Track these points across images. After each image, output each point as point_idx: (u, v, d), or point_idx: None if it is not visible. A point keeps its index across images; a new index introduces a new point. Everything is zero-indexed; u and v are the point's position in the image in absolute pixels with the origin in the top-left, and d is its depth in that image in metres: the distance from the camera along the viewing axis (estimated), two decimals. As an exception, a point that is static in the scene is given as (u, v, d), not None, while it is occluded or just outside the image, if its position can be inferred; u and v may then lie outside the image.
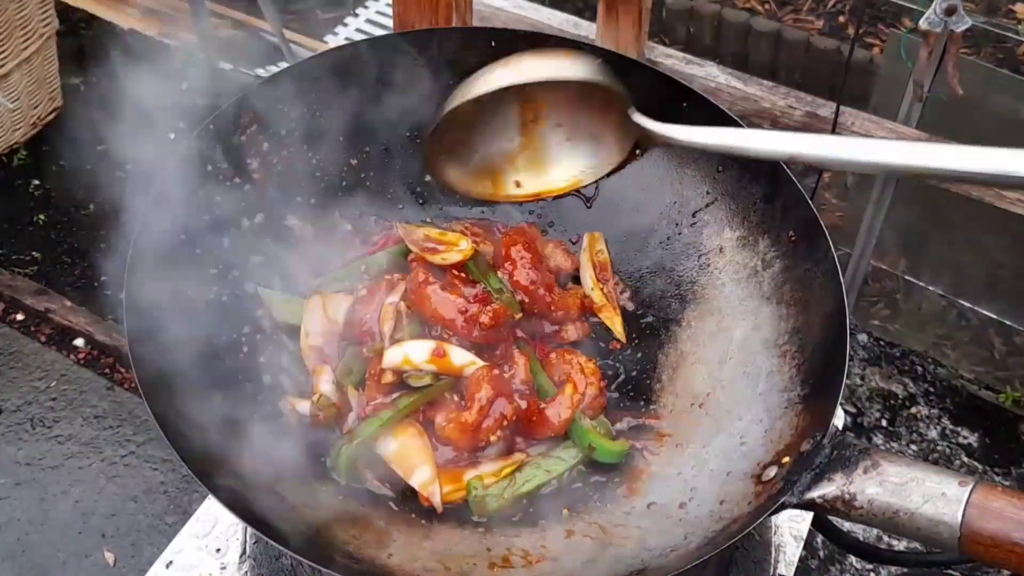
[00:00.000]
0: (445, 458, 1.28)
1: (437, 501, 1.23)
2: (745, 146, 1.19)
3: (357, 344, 1.34)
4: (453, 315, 1.29)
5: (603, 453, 1.28)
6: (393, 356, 1.27)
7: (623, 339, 1.43)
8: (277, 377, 1.34)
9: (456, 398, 1.29)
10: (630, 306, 1.47)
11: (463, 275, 1.36)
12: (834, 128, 2.17)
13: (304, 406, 1.30)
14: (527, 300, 1.36)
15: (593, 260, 1.47)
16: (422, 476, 1.24)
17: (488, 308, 1.29)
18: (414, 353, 1.28)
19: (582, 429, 1.29)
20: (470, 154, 1.43)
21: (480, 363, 1.28)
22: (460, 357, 1.28)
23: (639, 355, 1.43)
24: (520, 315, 1.36)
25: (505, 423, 1.26)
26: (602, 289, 1.45)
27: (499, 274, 1.37)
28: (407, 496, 1.26)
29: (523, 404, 1.28)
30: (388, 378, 1.28)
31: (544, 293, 1.37)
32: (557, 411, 1.30)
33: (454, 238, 1.43)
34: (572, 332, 1.42)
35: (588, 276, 1.46)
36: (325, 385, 1.31)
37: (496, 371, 1.28)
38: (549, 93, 1.38)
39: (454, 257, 1.37)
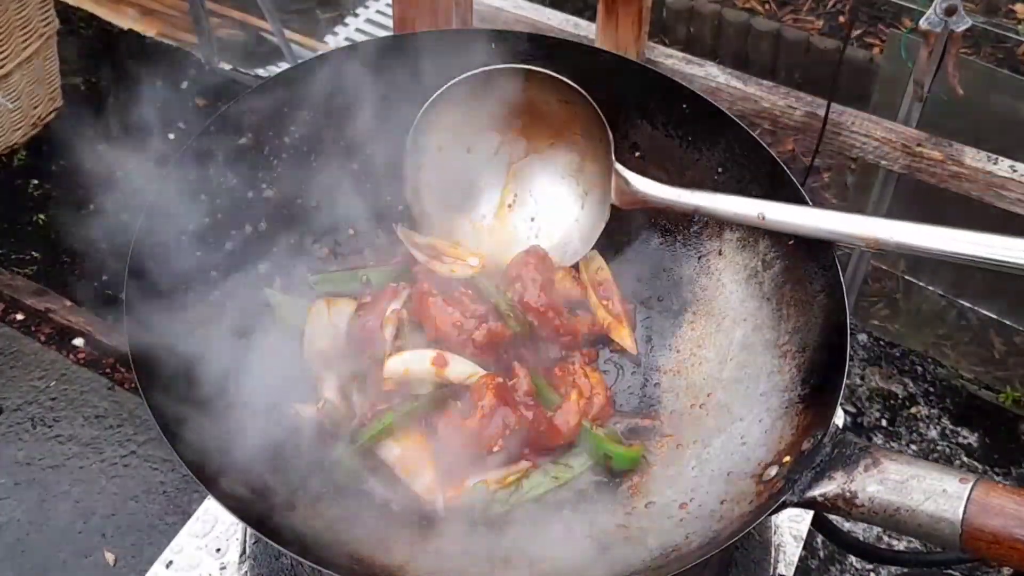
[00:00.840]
0: (448, 464, 1.28)
1: (440, 506, 1.23)
2: (723, 209, 1.29)
3: (361, 350, 1.34)
4: (449, 329, 1.29)
5: (619, 460, 1.28)
6: (394, 365, 1.27)
7: (634, 351, 1.42)
8: (280, 380, 1.34)
9: (459, 405, 1.29)
10: (631, 308, 1.47)
11: (470, 292, 1.35)
12: (823, 127, 2.16)
13: (307, 410, 1.30)
14: (536, 323, 1.35)
15: (592, 280, 1.47)
16: (425, 481, 1.24)
17: (484, 326, 1.29)
18: (415, 363, 1.27)
19: (595, 438, 1.29)
20: (445, 200, 1.48)
21: (481, 371, 1.28)
22: (461, 367, 1.28)
23: (639, 357, 1.43)
24: (526, 335, 1.35)
25: (508, 432, 1.26)
26: (606, 306, 1.44)
27: (508, 295, 1.36)
28: (409, 499, 1.26)
29: (529, 415, 1.28)
30: (390, 385, 1.28)
31: (553, 316, 1.36)
32: (565, 419, 1.29)
33: (461, 251, 1.43)
34: (579, 359, 1.40)
35: (592, 296, 1.45)
36: (330, 392, 1.31)
37: (499, 379, 1.28)
38: (537, 165, 1.47)
39: (463, 271, 1.37)
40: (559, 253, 1.45)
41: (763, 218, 1.24)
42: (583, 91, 1.35)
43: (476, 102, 1.40)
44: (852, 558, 2.39)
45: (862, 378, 2.75)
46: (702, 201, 1.29)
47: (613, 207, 1.39)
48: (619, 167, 1.36)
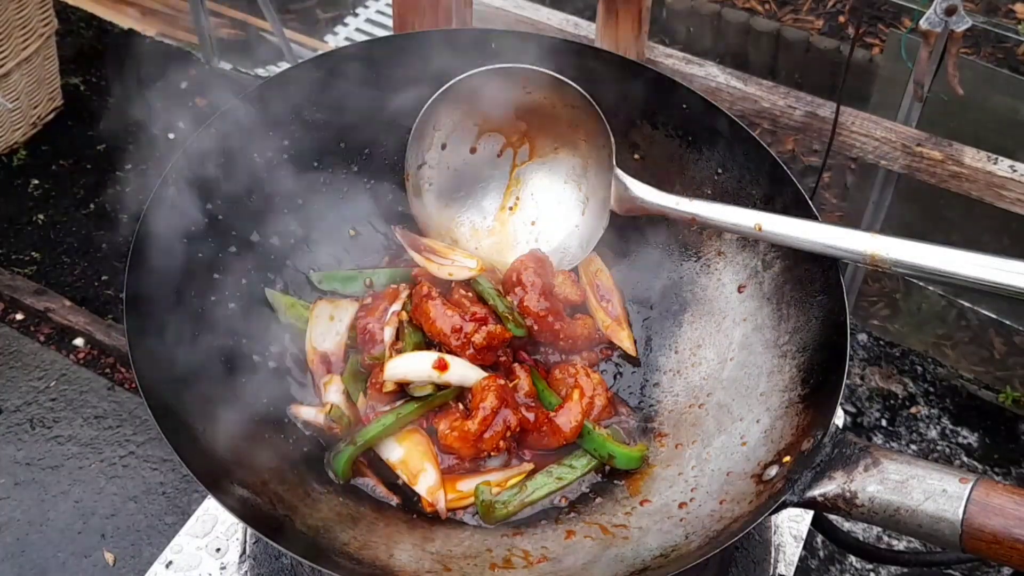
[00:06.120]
0: (450, 466, 1.28)
1: (442, 507, 1.23)
2: (720, 218, 1.28)
3: (362, 351, 1.34)
4: (449, 332, 1.29)
5: (623, 460, 1.28)
6: (395, 368, 1.27)
7: (633, 352, 1.42)
8: (282, 382, 1.34)
9: (460, 407, 1.29)
10: (631, 309, 1.47)
11: (470, 294, 1.35)
12: (834, 129, 2.17)
13: (308, 412, 1.30)
14: (536, 327, 1.35)
15: (591, 282, 1.47)
16: (427, 482, 1.24)
17: (483, 329, 1.29)
18: (416, 365, 1.27)
19: (598, 439, 1.29)
20: (445, 199, 1.48)
21: (483, 374, 1.28)
22: (462, 369, 1.28)
23: (639, 357, 1.43)
24: (525, 337, 1.35)
25: (508, 433, 1.26)
26: (605, 308, 1.44)
27: (508, 299, 1.36)
28: (409, 499, 1.26)
29: (530, 416, 1.28)
30: (390, 387, 1.28)
31: (553, 321, 1.36)
32: (567, 418, 1.29)
33: (460, 253, 1.43)
34: (579, 362, 1.39)
35: (591, 299, 1.45)
36: (334, 394, 1.30)
37: (501, 381, 1.28)
38: (541, 169, 1.48)
39: (461, 274, 1.37)
40: (557, 257, 1.45)
41: (760, 229, 1.24)
42: (588, 96, 1.34)
43: (480, 102, 1.40)
44: (852, 558, 2.39)
45: (862, 378, 2.75)
46: (700, 210, 1.29)
47: (612, 213, 1.39)
48: (619, 173, 1.36)
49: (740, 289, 1.36)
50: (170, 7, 3.94)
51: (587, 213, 1.45)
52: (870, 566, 2.40)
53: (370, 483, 1.27)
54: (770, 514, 1.07)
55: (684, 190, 1.42)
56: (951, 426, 2.65)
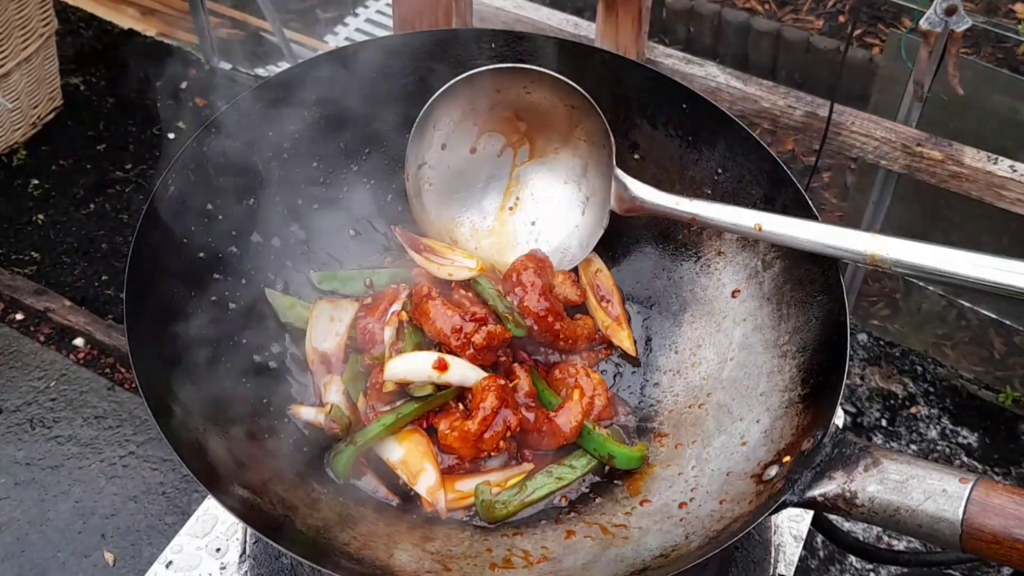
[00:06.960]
0: (448, 466, 1.28)
1: (442, 507, 1.23)
2: (720, 218, 1.28)
3: (362, 351, 1.34)
4: (449, 332, 1.29)
5: (623, 460, 1.28)
6: (395, 368, 1.27)
7: (633, 352, 1.42)
8: (282, 381, 1.34)
9: (460, 407, 1.29)
10: (631, 309, 1.47)
11: (470, 294, 1.35)
12: (827, 127, 2.16)
13: (308, 412, 1.30)
14: (536, 327, 1.35)
15: (591, 282, 1.47)
16: (427, 482, 1.24)
17: (483, 329, 1.29)
18: (416, 365, 1.27)
19: (598, 439, 1.29)
20: (445, 199, 1.48)
21: (483, 374, 1.28)
22: (462, 370, 1.28)
23: (639, 357, 1.43)
24: (525, 337, 1.35)
25: (508, 434, 1.26)
26: (605, 308, 1.44)
27: (508, 299, 1.36)
28: (409, 499, 1.26)
29: (530, 416, 1.28)
30: (390, 387, 1.28)
31: (553, 321, 1.36)
32: (567, 418, 1.29)
33: (460, 253, 1.43)
34: (579, 362, 1.39)
35: (591, 299, 1.45)
36: (334, 395, 1.30)
37: (501, 381, 1.28)
38: (541, 169, 1.48)
39: (461, 274, 1.37)
40: (557, 257, 1.45)
41: (760, 229, 1.24)
42: (588, 96, 1.34)
43: (480, 102, 1.40)
44: (852, 558, 2.39)
45: (862, 378, 2.75)
46: (700, 210, 1.29)
47: (612, 213, 1.39)
48: (619, 173, 1.36)
49: (734, 294, 1.36)
50: (170, 7, 3.94)
51: (587, 213, 1.45)
52: (870, 566, 2.40)
53: (370, 483, 1.27)
54: (770, 514, 1.07)
55: (684, 190, 1.42)
56: (951, 426, 2.65)
